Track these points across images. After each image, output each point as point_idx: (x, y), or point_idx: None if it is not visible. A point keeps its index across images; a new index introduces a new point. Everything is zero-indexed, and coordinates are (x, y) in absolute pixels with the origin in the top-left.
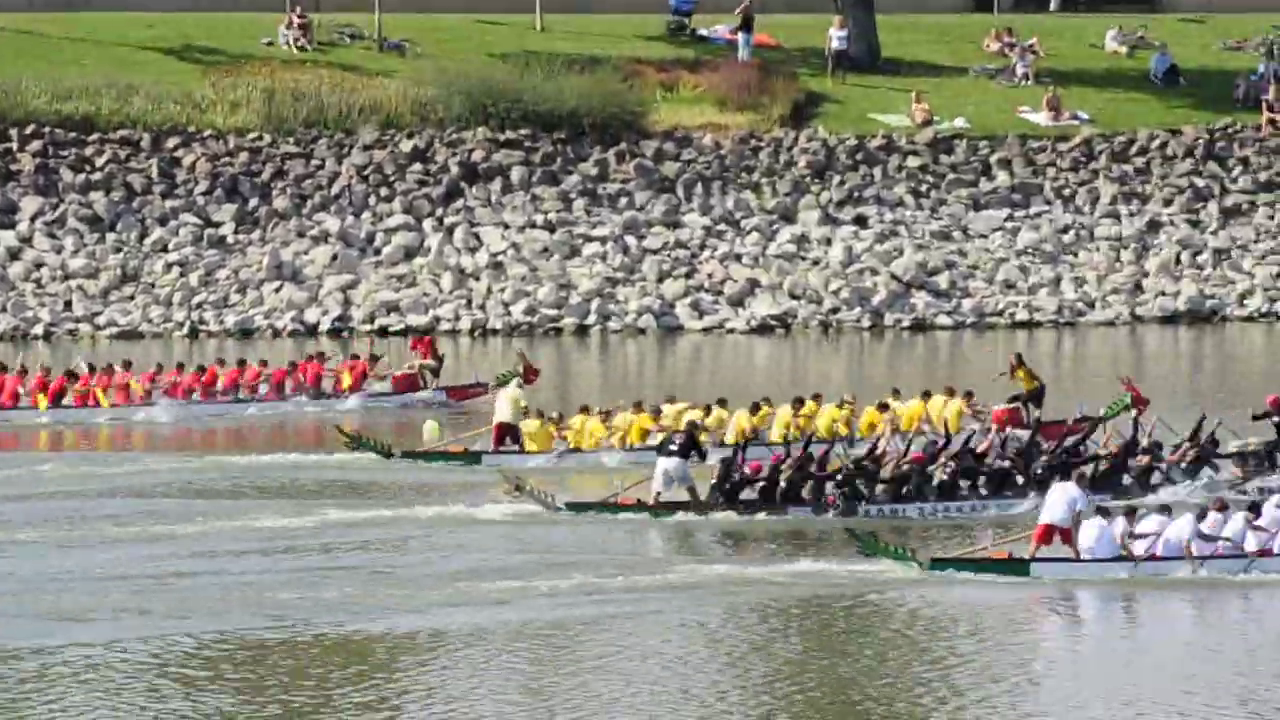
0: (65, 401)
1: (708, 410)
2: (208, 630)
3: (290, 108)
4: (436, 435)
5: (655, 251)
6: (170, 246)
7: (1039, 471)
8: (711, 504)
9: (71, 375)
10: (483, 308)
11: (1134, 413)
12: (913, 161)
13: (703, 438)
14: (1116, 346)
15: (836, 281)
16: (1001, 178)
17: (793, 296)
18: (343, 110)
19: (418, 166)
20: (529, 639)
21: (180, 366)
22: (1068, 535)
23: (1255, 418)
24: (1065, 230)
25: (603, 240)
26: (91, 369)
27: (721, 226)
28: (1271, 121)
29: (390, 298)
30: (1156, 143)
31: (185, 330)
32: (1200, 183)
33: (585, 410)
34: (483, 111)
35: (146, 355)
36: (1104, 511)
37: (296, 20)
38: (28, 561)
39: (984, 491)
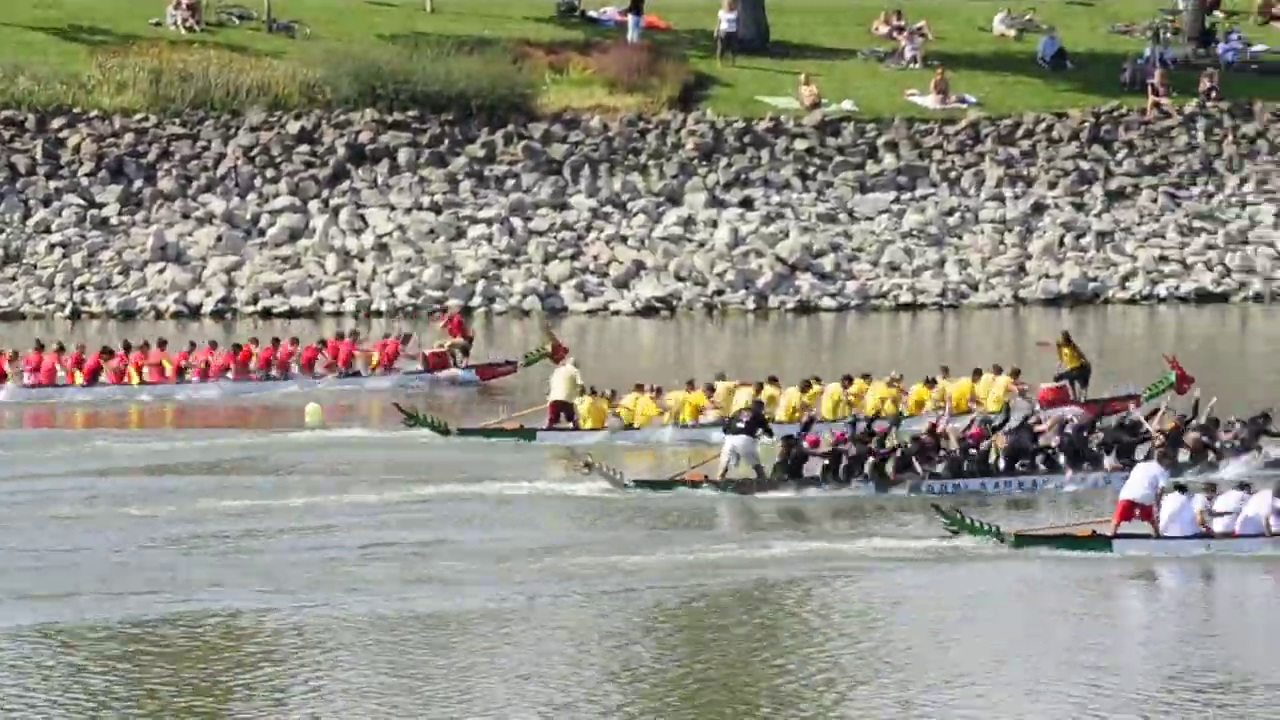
0: (101, 379)
1: (759, 388)
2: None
3: (177, 88)
4: (317, 419)
5: (541, 233)
6: (54, 227)
7: (1094, 448)
8: (777, 480)
9: (107, 352)
10: (367, 289)
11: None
12: (800, 144)
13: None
14: (1001, 329)
15: (722, 264)
16: (888, 160)
17: (678, 278)
18: (230, 91)
19: (304, 148)
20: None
21: (213, 345)
22: (1148, 512)
23: None
24: (950, 213)
25: (489, 222)
26: (127, 347)
27: (608, 209)
28: (1157, 105)
29: (274, 279)
30: (1042, 125)
31: (67, 311)
32: (1085, 166)
33: (639, 388)
34: (371, 93)
35: (29, 336)
36: (1182, 489)
37: (185, 1)
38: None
39: (1042, 468)
